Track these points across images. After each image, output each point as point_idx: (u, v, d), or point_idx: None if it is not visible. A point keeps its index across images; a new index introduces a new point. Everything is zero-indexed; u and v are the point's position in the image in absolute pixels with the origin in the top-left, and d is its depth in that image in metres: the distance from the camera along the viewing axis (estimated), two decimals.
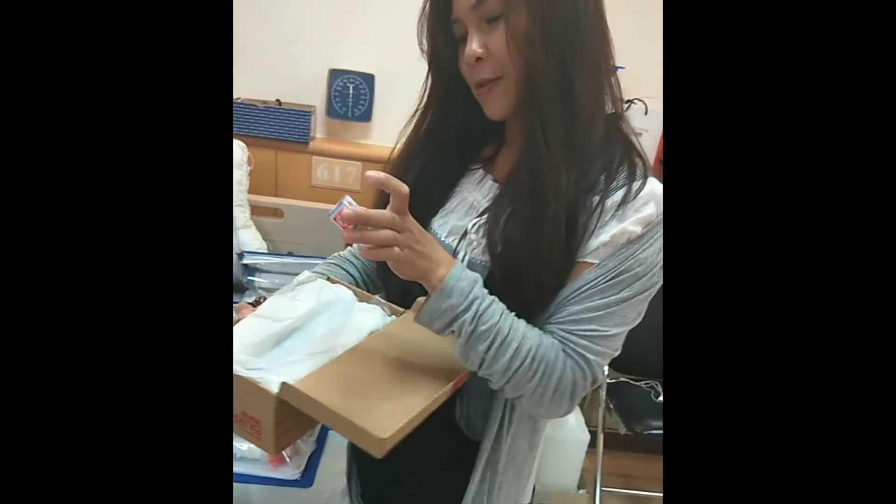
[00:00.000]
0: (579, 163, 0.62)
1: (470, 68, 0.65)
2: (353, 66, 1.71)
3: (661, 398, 1.81)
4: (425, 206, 0.74)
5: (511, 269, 0.63)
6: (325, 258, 1.61)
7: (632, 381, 1.89)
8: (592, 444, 1.79)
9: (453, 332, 0.60)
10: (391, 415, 0.55)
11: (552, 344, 0.62)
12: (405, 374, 0.63)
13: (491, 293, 0.61)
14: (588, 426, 1.79)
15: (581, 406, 1.95)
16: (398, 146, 0.76)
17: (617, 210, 0.61)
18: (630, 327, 0.64)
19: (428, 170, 0.74)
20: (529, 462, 0.76)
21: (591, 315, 0.61)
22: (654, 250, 0.61)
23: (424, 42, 0.69)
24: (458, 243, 0.70)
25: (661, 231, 0.61)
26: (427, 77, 0.72)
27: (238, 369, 0.59)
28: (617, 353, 0.65)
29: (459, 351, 0.61)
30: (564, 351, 0.62)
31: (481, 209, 0.71)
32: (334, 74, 1.71)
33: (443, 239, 0.72)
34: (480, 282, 0.61)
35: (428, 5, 0.68)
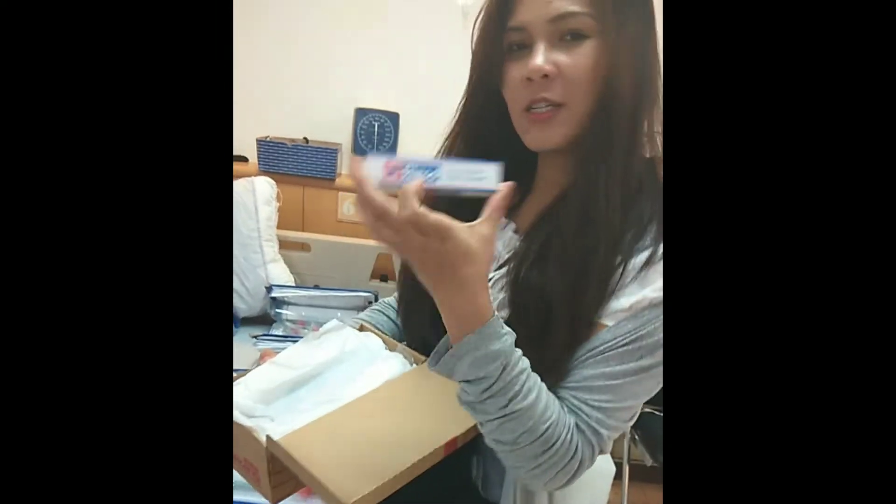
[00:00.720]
0: (625, 213, 0.56)
1: (527, 86, 0.57)
2: (379, 104, 1.77)
3: None
4: None
5: (534, 321, 0.55)
6: (351, 291, 1.66)
7: (657, 412, 1.88)
8: (618, 475, 1.76)
9: (469, 381, 0.51)
10: (365, 477, 0.52)
11: (566, 421, 0.54)
12: (399, 430, 0.59)
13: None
14: (613, 458, 1.76)
15: None
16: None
17: (640, 272, 0.55)
18: (646, 398, 0.57)
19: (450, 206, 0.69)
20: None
21: (607, 383, 0.54)
22: None
23: (474, 44, 0.62)
24: None
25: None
26: (466, 91, 0.65)
27: (238, 416, 0.59)
28: (629, 426, 0.58)
29: (473, 401, 0.52)
30: (577, 425, 0.55)
31: (502, 261, 0.63)
32: (360, 113, 1.78)
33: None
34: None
35: (486, 5, 0.61)
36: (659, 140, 0.59)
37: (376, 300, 1.67)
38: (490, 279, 0.61)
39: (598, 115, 0.56)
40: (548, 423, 0.52)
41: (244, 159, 1.85)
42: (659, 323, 0.54)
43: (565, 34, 0.56)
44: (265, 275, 1.68)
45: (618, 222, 0.55)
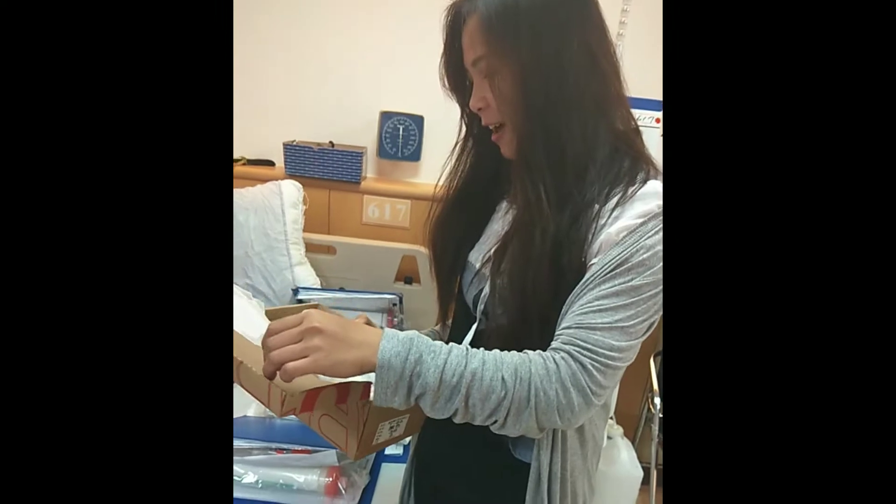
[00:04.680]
0: (573, 200, 0.64)
1: (478, 114, 0.72)
2: (403, 108, 1.78)
3: None
4: (465, 241, 0.80)
5: (502, 300, 0.66)
6: (375, 293, 1.66)
7: None
8: (646, 480, 1.74)
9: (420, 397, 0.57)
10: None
11: (536, 370, 0.58)
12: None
13: (492, 319, 0.67)
14: (641, 462, 1.75)
15: (633, 441, 1.91)
16: (442, 179, 0.82)
17: (614, 211, 0.63)
18: (645, 328, 0.61)
19: (466, 206, 0.80)
20: (582, 483, 0.75)
21: (600, 304, 0.59)
22: (658, 239, 0.60)
23: (446, 84, 0.77)
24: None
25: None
26: (461, 118, 0.80)
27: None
28: (625, 363, 0.61)
29: (431, 413, 0.58)
30: (571, 355, 0.58)
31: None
32: (385, 116, 1.78)
33: (477, 267, 0.76)
34: (417, 339, 0.58)
35: (443, 53, 0.75)
36: (631, 120, 0.70)
37: (401, 302, 1.68)
38: (485, 255, 0.73)
39: (533, 124, 0.65)
40: (510, 381, 0.57)
41: (271, 163, 1.87)
42: (642, 244, 0.60)
43: (483, 73, 0.68)
44: (292, 277, 1.69)
45: (552, 213, 0.63)
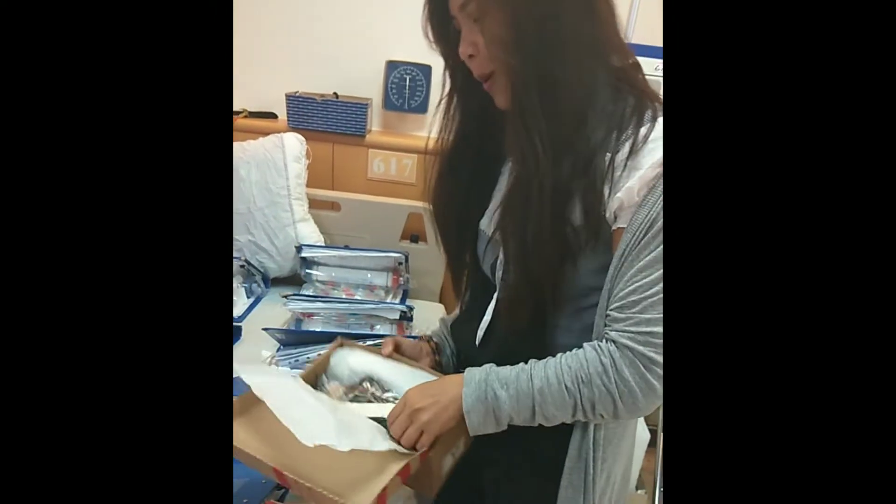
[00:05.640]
0: (573, 149, 0.63)
1: (468, 63, 0.67)
2: (410, 57, 1.69)
3: None
4: (469, 206, 0.78)
5: (509, 260, 0.67)
6: (381, 251, 1.62)
7: None
8: (653, 442, 1.73)
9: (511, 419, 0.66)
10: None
11: (592, 364, 0.63)
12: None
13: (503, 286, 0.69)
14: (648, 425, 1.73)
15: None
16: (433, 140, 0.79)
17: (628, 161, 0.61)
18: None
19: (461, 169, 0.77)
20: (626, 444, 0.75)
21: (639, 279, 0.60)
22: None
23: (430, 34, 0.72)
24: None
25: None
26: (444, 70, 0.76)
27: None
28: None
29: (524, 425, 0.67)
30: (622, 341, 0.61)
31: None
32: (391, 66, 1.70)
33: (489, 234, 0.73)
34: (490, 377, 0.66)
35: (427, 2, 0.70)
36: (630, 56, 0.67)
37: (406, 261, 1.64)
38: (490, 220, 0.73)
39: (526, 68, 0.62)
40: (575, 389, 0.63)
41: (273, 116, 1.80)
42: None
43: (471, 18, 0.64)
44: (295, 234, 1.65)
45: (549, 163, 0.61)
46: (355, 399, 0.77)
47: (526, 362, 0.67)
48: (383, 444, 0.65)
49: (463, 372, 0.69)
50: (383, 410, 0.71)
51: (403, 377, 0.78)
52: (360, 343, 0.82)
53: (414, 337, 0.90)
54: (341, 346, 0.82)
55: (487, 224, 0.75)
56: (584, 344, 0.65)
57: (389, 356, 0.82)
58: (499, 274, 0.71)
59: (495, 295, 0.72)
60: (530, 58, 0.61)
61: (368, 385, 0.78)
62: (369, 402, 0.76)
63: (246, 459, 0.65)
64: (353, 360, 0.81)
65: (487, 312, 0.73)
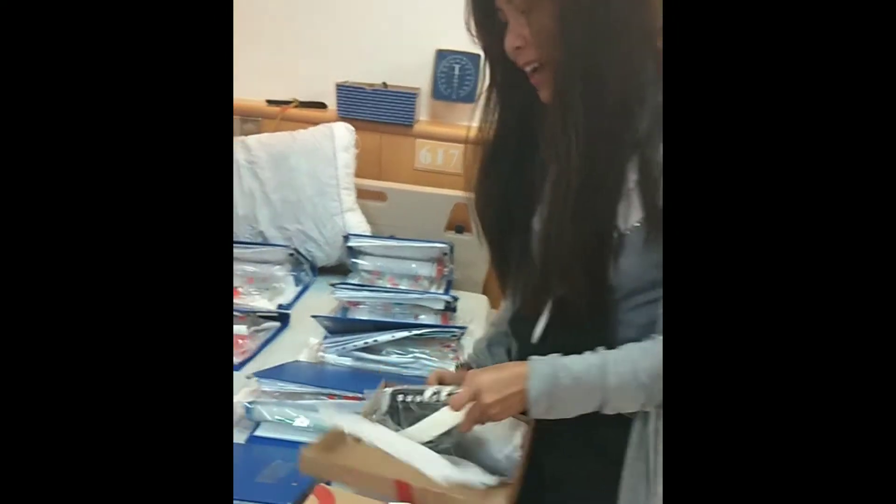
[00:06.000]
0: (618, 142, 0.62)
1: (514, 56, 0.66)
2: (460, 46, 1.68)
3: None
4: (517, 205, 0.76)
5: (558, 258, 0.66)
6: (426, 241, 1.62)
7: None
8: None
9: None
10: None
11: (653, 357, 0.62)
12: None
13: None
14: None
15: None
16: (475, 130, 0.77)
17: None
18: None
19: (509, 167, 0.75)
20: None
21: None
22: None
23: (472, 28, 0.70)
24: None
25: None
26: (485, 62, 0.74)
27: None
28: None
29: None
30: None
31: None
32: (441, 55, 1.69)
33: (538, 232, 0.72)
34: (559, 368, 0.64)
35: None
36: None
37: (451, 251, 1.63)
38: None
39: (573, 60, 0.61)
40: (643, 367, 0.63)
41: (323, 105, 1.82)
42: None
43: (521, 9, 0.63)
44: (342, 223, 1.67)
45: (579, 167, 0.61)
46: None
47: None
48: (491, 478, 0.68)
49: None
50: (444, 419, 0.71)
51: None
52: (407, 385, 0.82)
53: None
54: (385, 388, 0.83)
55: (535, 221, 0.74)
56: (655, 336, 0.64)
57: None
58: (553, 271, 0.70)
59: (551, 293, 0.71)
60: (577, 51, 0.60)
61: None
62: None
63: (357, 480, 0.67)
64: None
65: (545, 311, 0.72)
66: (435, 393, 0.73)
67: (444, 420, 0.69)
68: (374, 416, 0.77)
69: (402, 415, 0.74)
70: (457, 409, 0.66)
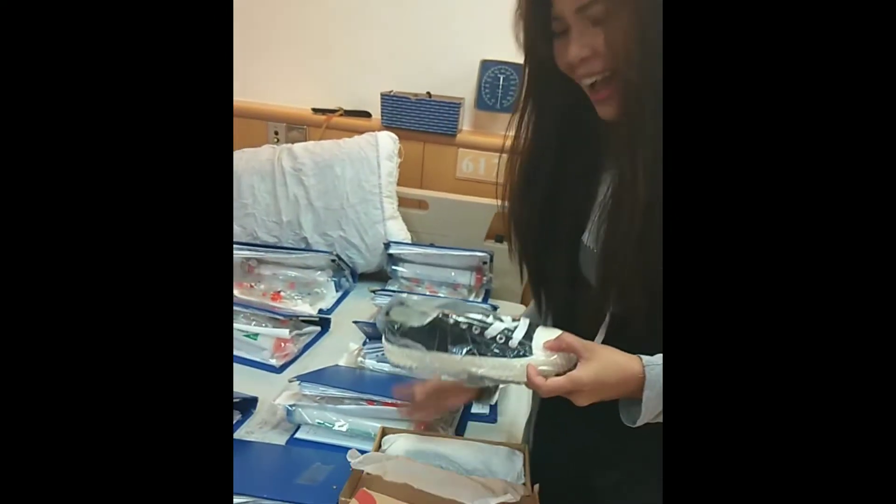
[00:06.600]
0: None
1: (573, 70, 0.65)
2: (505, 56, 1.68)
3: None
4: (557, 220, 0.74)
5: (615, 277, 0.65)
6: (466, 250, 1.62)
7: None
8: None
9: None
10: None
11: None
12: None
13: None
14: None
15: None
16: (510, 141, 0.76)
17: None
18: None
19: (546, 180, 0.74)
20: None
21: None
22: None
23: (521, 36, 0.69)
24: None
25: None
26: (524, 71, 0.72)
27: None
28: None
29: None
30: None
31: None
32: (485, 65, 1.70)
33: (592, 249, 0.70)
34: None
35: (527, 4, 0.67)
36: None
37: (491, 261, 1.63)
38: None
39: (646, 79, 0.58)
40: None
41: (367, 114, 1.85)
42: None
43: (590, 20, 0.61)
44: (384, 231, 1.68)
45: (644, 191, 0.59)
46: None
47: None
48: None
49: None
50: (513, 370, 0.66)
51: (472, 453, 0.83)
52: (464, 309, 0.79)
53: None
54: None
55: (589, 238, 0.72)
56: None
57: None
58: (608, 289, 0.69)
59: (608, 311, 0.70)
60: (652, 70, 0.57)
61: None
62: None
63: None
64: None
65: (601, 329, 0.70)
66: (505, 331, 0.66)
67: (512, 369, 0.65)
68: (398, 328, 0.70)
69: (448, 336, 0.67)
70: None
